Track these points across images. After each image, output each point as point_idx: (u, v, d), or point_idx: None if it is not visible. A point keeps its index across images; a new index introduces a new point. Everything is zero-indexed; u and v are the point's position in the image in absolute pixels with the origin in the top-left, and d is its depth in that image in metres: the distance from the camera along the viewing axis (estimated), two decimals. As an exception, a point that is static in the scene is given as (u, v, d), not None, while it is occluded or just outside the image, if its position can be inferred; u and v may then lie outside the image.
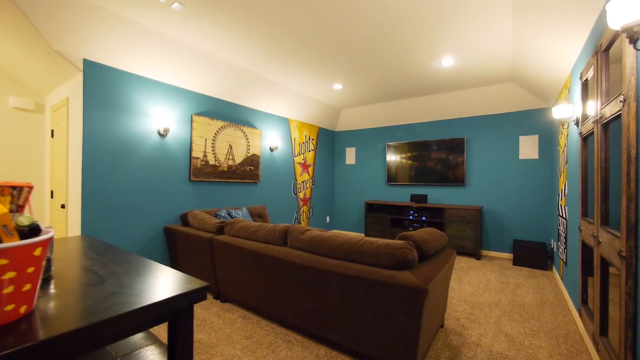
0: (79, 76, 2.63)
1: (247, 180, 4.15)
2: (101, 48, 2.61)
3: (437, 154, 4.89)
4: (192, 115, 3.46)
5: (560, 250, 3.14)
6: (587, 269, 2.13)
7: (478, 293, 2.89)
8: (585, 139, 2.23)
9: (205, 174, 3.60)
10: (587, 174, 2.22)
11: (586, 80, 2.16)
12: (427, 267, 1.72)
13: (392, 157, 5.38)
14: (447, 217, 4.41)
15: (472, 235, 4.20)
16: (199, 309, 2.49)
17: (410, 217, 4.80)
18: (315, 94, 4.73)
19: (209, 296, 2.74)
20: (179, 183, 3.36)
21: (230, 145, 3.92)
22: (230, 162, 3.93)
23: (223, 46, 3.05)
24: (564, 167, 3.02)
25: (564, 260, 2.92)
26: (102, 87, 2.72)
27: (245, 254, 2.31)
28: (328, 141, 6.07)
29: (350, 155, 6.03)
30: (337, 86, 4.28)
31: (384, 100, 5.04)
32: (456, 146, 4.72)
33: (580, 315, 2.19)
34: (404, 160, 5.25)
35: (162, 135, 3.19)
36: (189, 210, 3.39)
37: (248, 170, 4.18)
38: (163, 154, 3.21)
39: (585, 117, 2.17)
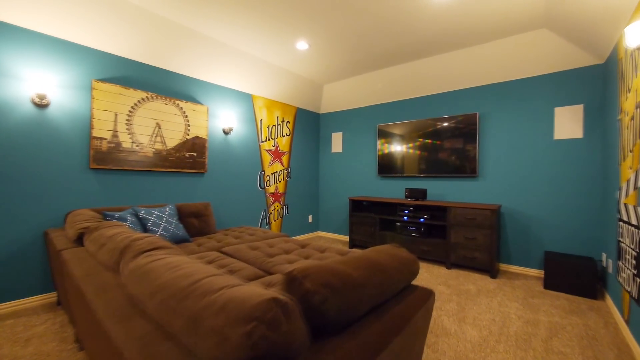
0: None
1: (186, 170, 3.24)
2: None
3: (441, 136, 3.76)
4: (92, 82, 2.57)
5: (623, 274, 1.99)
6: None
7: (487, 345, 1.81)
8: None
9: (116, 161, 2.71)
10: None
11: None
12: (340, 351, 0.70)
13: (385, 143, 4.29)
14: (451, 219, 3.30)
15: (485, 244, 3.07)
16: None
17: (405, 217, 3.72)
18: (283, 61, 3.72)
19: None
20: (73, 172, 2.49)
21: (158, 123, 3.00)
22: (159, 146, 3.02)
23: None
24: (633, 145, 1.87)
25: (632, 292, 1.78)
26: None
27: (71, 284, 1.38)
28: (311, 125, 5.05)
29: (337, 142, 4.99)
30: (302, 45, 3.25)
31: (370, 70, 3.95)
32: (466, 125, 3.57)
33: None
34: (398, 146, 4.15)
35: (40, 105, 2.31)
36: (84, 208, 2.51)
37: (188, 157, 3.26)
38: (43, 131, 2.34)
39: None
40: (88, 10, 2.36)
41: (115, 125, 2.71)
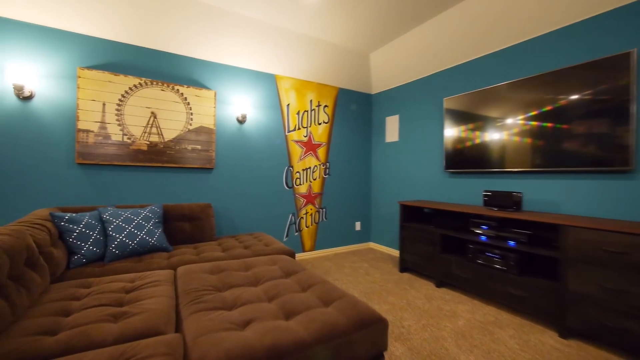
0: None
1: (188, 166, 2.81)
2: None
3: (548, 105, 2.21)
4: (77, 69, 2.36)
5: None
6: None
7: None
8: None
9: (104, 155, 2.46)
10: None
11: None
12: None
13: (454, 122, 2.93)
14: (570, 247, 1.82)
15: (654, 309, 1.51)
16: None
17: (482, 237, 2.35)
18: (314, 28, 2.91)
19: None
20: (58, 167, 2.33)
21: (153, 113, 2.65)
22: (155, 138, 2.66)
23: None
24: None
25: None
26: None
27: None
28: (359, 109, 4.04)
29: (392, 128, 3.82)
30: (312, -10, 2.36)
31: (430, 14, 2.69)
32: (603, 78, 1.95)
33: None
34: (473, 129, 2.74)
35: (24, 98, 2.20)
36: (70, 206, 2.31)
37: (190, 151, 2.82)
38: (27, 124, 2.23)
39: None
40: None
41: (104, 116, 2.46)
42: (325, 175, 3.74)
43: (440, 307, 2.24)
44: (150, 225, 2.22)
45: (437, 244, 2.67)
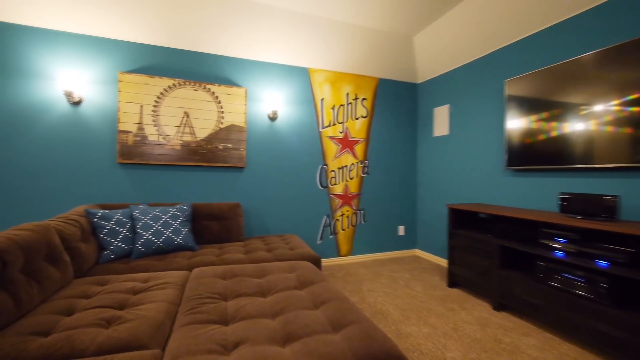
0: (-43, 36, 2.21)
1: (219, 164, 2.79)
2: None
3: (669, 74, 1.60)
4: (118, 74, 2.50)
5: None
6: None
7: None
8: None
9: (142, 155, 2.56)
10: None
11: None
12: None
13: (519, 110, 2.38)
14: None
15: None
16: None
17: (558, 252, 1.82)
18: (349, 13, 2.67)
19: None
20: (102, 167, 2.49)
21: (186, 112, 2.69)
22: (187, 138, 2.70)
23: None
24: None
25: None
26: (-15, 46, 2.20)
27: None
28: (402, 100, 3.65)
29: (441, 120, 3.34)
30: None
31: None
32: None
33: None
34: (547, 119, 2.17)
35: (75, 103, 2.40)
36: (110, 202, 2.45)
37: (221, 149, 2.80)
38: (77, 127, 2.43)
39: None
40: (107, 2, 2.26)
41: (141, 117, 2.56)
42: (363, 174, 3.44)
43: (497, 337, 1.80)
44: (177, 224, 2.22)
45: (494, 257, 2.19)
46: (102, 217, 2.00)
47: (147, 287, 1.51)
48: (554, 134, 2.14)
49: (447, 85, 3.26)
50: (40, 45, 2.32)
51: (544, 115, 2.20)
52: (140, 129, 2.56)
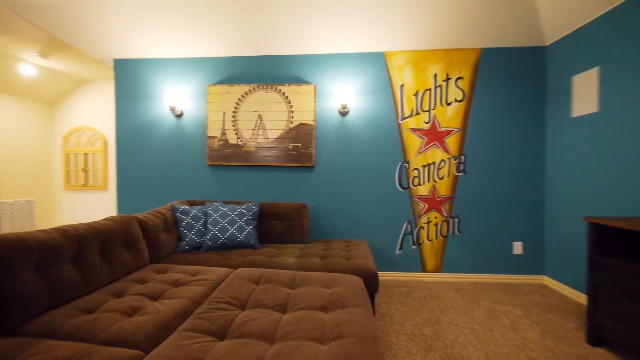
0: (111, 74, 3.00)
1: (289, 164, 2.79)
2: (126, 44, 2.76)
3: None
4: (207, 87, 2.85)
5: None
6: None
7: None
8: None
9: (224, 157, 2.83)
10: None
11: None
12: None
13: None
14: None
15: None
16: None
17: None
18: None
19: None
20: (195, 169, 2.90)
21: (259, 115, 2.81)
22: (261, 139, 2.81)
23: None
24: None
25: None
26: (126, 79, 2.93)
27: None
28: (517, 72, 2.71)
29: (585, 93, 2.27)
30: None
31: None
32: None
33: None
34: None
35: (177, 115, 2.90)
36: (200, 199, 2.81)
37: (291, 149, 2.79)
38: (179, 136, 2.91)
39: None
40: (197, 21, 2.61)
41: (224, 123, 2.84)
42: (458, 172, 2.75)
43: None
44: (242, 222, 2.32)
45: (685, 315, 1.25)
46: (182, 212, 2.30)
47: (188, 281, 1.58)
48: None
49: (595, 39, 2.18)
50: (154, 72, 2.91)
51: None
52: (223, 134, 2.84)
